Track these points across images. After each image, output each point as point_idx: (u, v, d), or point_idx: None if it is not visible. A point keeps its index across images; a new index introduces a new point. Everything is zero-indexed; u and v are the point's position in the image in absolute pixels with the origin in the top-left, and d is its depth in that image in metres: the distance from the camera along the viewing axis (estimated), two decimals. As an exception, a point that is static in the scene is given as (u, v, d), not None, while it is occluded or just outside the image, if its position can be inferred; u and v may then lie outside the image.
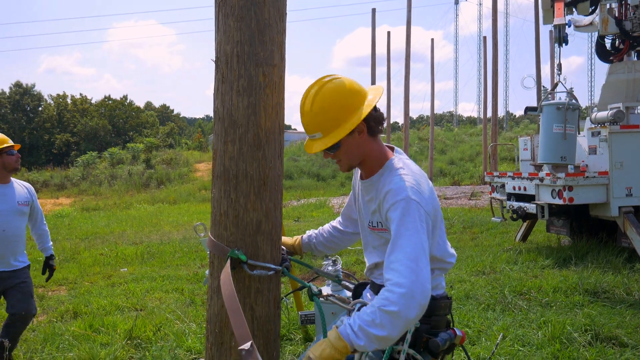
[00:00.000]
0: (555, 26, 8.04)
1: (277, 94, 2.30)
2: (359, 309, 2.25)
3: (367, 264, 2.44)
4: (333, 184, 27.81)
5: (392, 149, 2.36)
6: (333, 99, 2.15)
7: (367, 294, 2.48)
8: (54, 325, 5.73)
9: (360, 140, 2.21)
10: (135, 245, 11.77)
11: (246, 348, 1.85)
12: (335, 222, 2.74)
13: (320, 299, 2.41)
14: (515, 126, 48.19)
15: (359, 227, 2.49)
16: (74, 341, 5.15)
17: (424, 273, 1.94)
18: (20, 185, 4.61)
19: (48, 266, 4.84)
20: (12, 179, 4.55)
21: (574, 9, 8.90)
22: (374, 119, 2.21)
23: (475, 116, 68.49)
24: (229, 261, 2.18)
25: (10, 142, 4.49)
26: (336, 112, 2.14)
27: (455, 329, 2.24)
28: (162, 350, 4.68)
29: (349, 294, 2.74)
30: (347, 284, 2.76)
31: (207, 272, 5.53)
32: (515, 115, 70.78)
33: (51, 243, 4.90)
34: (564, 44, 8.06)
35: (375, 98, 2.21)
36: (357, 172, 2.44)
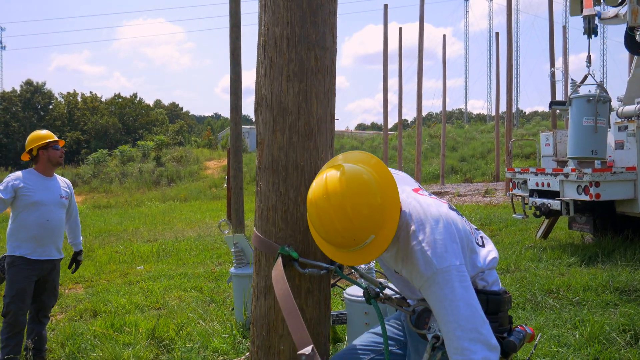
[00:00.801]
0: (584, 17, 7.82)
1: (329, 80, 2.15)
2: (419, 313, 2.10)
3: (410, 295, 2.26)
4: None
5: None
6: (364, 187, 1.81)
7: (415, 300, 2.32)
8: (74, 325, 5.61)
9: None
10: (149, 243, 11.67)
11: (307, 353, 1.70)
12: None
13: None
14: (526, 123, 47.84)
15: (382, 266, 2.30)
16: (96, 341, 5.02)
17: (485, 333, 1.84)
18: (61, 180, 4.81)
19: (75, 261, 5.00)
20: (54, 173, 4.75)
21: (602, 0, 8.69)
22: None
23: (485, 113, 68.08)
24: (280, 259, 2.03)
25: (55, 138, 4.68)
26: (379, 200, 1.82)
27: (524, 325, 2.11)
28: (192, 351, 4.55)
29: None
30: (389, 292, 2.59)
31: (231, 270, 5.39)
32: (525, 112, 70.36)
33: (82, 239, 5.07)
34: (593, 35, 7.85)
35: (378, 160, 1.96)
36: None
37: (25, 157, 4.66)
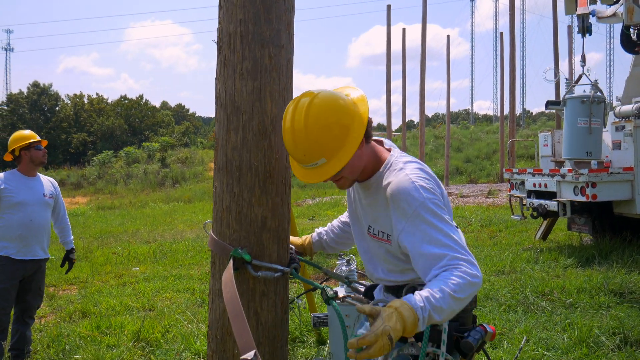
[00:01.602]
0: (578, 16, 7.74)
1: (284, 78, 2.11)
2: None
3: (373, 275, 2.20)
4: (348, 182, 27.56)
5: (381, 142, 2.14)
6: (329, 115, 1.82)
7: (381, 296, 2.26)
8: (61, 326, 5.59)
9: (361, 151, 1.94)
10: (148, 244, 11.66)
11: (249, 358, 1.65)
12: (344, 217, 2.51)
13: (337, 301, 2.21)
14: (532, 123, 47.63)
15: (355, 236, 2.26)
16: (80, 342, 4.99)
17: (467, 249, 1.82)
18: (45, 179, 4.83)
19: (68, 259, 5.01)
20: (38, 173, 4.77)
21: (597, -1, 8.60)
22: (368, 123, 1.94)
23: (492, 114, 67.85)
24: (231, 261, 1.99)
25: (38, 138, 4.72)
26: (337, 129, 1.82)
27: (484, 324, 2.01)
28: (167, 354, 4.51)
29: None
30: (358, 286, 2.56)
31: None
32: (532, 113, 70.06)
33: (72, 237, 5.08)
34: (587, 34, 7.76)
35: (363, 98, 1.95)
36: None
37: (7, 158, 4.70)
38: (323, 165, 1.85)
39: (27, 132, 4.75)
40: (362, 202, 2.10)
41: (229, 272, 1.94)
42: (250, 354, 1.66)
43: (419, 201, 1.82)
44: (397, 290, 2.12)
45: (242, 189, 2.05)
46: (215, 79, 2.13)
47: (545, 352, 4.49)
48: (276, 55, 2.07)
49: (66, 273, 5.18)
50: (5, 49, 70.91)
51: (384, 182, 1.95)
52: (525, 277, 7.02)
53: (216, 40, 2.12)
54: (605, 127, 8.07)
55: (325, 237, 2.52)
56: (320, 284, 3.72)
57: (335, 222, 2.54)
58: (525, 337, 4.56)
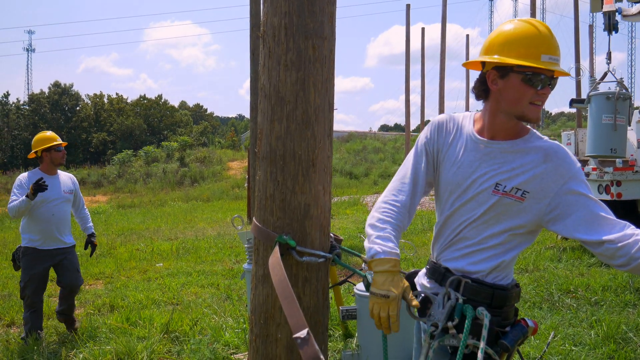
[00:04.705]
0: (604, 13, 7.70)
1: (327, 69, 2.16)
2: (420, 302, 2.05)
3: (448, 237, 2.08)
4: (366, 182, 27.61)
5: None
6: None
7: (422, 281, 2.19)
8: (91, 318, 5.70)
9: None
10: (170, 241, 11.78)
11: (302, 336, 1.71)
12: (397, 202, 2.06)
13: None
14: (552, 124, 47.22)
15: (448, 197, 2.08)
16: (111, 334, 5.10)
17: None
18: (65, 177, 5.29)
19: (90, 242, 5.49)
20: (58, 171, 5.24)
21: (623, -4, 8.53)
22: None
23: (511, 114, 67.09)
24: (277, 246, 2.04)
25: (59, 140, 5.16)
26: None
27: (526, 319, 2.00)
28: (201, 344, 4.59)
29: None
30: None
31: (244, 266, 5.44)
32: (551, 113, 69.36)
33: (92, 224, 5.57)
34: (613, 32, 7.71)
35: None
36: (441, 134, 2.15)
37: (31, 156, 5.15)
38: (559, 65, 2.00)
39: (49, 133, 5.18)
40: (494, 165, 2.03)
41: (275, 257, 1.99)
42: (303, 332, 1.71)
43: (579, 166, 2.01)
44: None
45: (286, 178, 2.10)
46: (259, 70, 2.18)
47: (573, 348, 4.49)
48: (319, 47, 2.12)
49: (90, 256, 5.65)
50: (27, 50, 71.71)
51: (535, 144, 2.03)
52: (549, 275, 7.00)
53: (261, 33, 2.17)
54: (630, 125, 8.01)
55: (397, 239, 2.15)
56: (349, 276, 3.76)
57: (393, 219, 2.06)
58: (553, 333, 4.56)
